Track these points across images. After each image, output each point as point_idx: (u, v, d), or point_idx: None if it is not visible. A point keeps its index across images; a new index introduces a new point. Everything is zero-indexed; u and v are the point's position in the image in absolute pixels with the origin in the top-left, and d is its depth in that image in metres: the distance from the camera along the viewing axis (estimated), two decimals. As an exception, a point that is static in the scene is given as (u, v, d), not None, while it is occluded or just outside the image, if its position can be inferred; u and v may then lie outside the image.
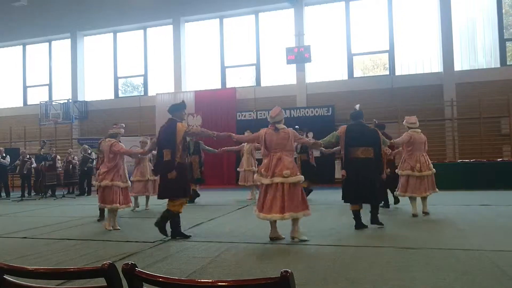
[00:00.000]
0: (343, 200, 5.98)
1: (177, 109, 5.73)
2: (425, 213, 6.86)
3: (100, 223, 6.92)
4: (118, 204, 6.29)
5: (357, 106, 6.31)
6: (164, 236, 5.45)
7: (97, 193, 6.58)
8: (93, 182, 6.90)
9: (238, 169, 10.70)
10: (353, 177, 5.74)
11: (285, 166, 5.04)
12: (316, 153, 11.05)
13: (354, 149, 5.80)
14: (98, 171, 6.64)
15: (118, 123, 7.35)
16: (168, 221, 5.51)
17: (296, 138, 5.40)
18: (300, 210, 5.04)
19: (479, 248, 4.40)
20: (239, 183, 10.51)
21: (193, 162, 9.55)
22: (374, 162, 5.83)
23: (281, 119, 5.34)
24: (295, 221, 5.10)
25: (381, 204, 7.29)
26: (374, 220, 5.91)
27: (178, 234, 5.46)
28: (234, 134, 6.00)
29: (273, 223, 5.15)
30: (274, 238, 5.16)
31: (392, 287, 3.27)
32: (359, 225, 5.80)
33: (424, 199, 6.92)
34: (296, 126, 8.03)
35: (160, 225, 5.45)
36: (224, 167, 15.57)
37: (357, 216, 5.84)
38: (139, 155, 8.01)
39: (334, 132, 6.16)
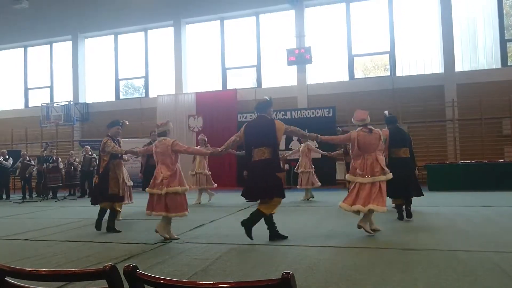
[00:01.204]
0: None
1: (267, 106, 5.53)
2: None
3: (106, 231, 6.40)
4: (187, 212, 5.58)
5: (386, 112, 6.97)
6: (250, 239, 5.14)
7: (150, 200, 5.61)
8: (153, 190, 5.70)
9: (190, 172, 10.21)
10: (395, 175, 6.18)
11: (380, 166, 5.47)
12: (317, 155, 11.07)
13: (397, 150, 6.60)
14: (162, 176, 5.48)
15: (121, 120, 6.94)
16: (253, 223, 5.30)
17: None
18: (383, 204, 5.43)
19: (481, 249, 4.39)
20: (192, 186, 10.23)
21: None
22: (410, 160, 6.71)
23: (369, 121, 5.78)
24: (370, 214, 5.46)
25: None
26: (409, 214, 6.59)
27: (276, 236, 5.23)
28: (320, 135, 5.99)
29: (368, 213, 5.45)
30: (361, 227, 5.41)
31: (394, 288, 3.26)
32: (401, 218, 6.49)
33: None
34: None
35: (248, 226, 5.18)
36: (224, 168, 15.56)
37: (399, 209, 6.57)
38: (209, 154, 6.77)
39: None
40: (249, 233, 5.17)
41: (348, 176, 5.67)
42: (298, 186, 10.26)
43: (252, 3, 16.38)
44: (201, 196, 10.28)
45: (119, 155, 6.46)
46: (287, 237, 5.29)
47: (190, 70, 17.53)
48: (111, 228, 6.27)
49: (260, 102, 5.61)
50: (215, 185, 10.44)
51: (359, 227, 5.38)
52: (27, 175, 13.61)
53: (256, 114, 5.57)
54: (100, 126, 17.35)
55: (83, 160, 13.45)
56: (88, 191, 13.62)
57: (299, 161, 10.25)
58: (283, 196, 5.28)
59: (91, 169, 13.20)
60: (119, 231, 6.15)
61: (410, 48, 15.25)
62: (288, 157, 11.77)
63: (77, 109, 18.21)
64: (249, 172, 5.48)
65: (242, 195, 5.52)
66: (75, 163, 13.90)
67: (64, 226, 7.15)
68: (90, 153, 13.42)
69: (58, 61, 19.46)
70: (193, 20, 17.45)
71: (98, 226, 6.35)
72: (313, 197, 10.28)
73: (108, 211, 6.46)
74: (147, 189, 5.67)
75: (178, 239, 5.51)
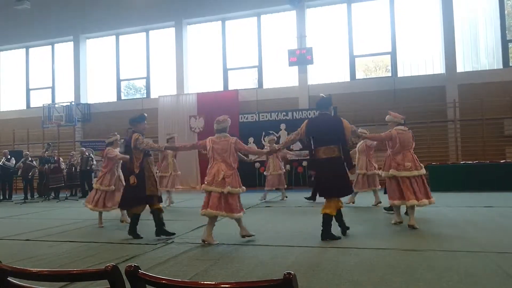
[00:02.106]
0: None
1: (329, 103, 5.62)
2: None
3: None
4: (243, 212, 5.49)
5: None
6: (340, 237, 5.28)
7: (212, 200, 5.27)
8: (200, 187, 5.68)
9: (161, 174, 9.76)
10: None
11: (414, 161, 6.01)
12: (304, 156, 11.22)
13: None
14: (224, 174, 5.21)
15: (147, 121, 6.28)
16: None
17: None
18: (427, 197, 5.90)
19: (482, 250, 4.39)
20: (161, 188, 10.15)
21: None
22: None
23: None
24: (413, 209, 5.90)
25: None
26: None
27: (329, 236, 5.23)
28: (367, 134, 6.20)
29: (398, 209, 6.09)
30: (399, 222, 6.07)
31: (395, 289, 3.26)
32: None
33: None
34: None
35: (328, 236, 5.22)
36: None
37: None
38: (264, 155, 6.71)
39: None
40: (334, 236, 5.23)
41: (392, 171, 5.93)
42: (266, 188, 10.48)
43: (253, 3, 16.38)
44: (170, 196, 10.05)
45: (149, 152, 5.94)
46: (340, 237, 5.34)
47: (191, 70, 17.53)
48: (164, 231, 5.80)
49: (321, 99, 5.67)
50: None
51: (412, 226, 5.75)
52: (30, 176, 13.64)
53: (317, 111, 5.76)
54: (102, 126, 17.38)
55: (81, 161, 13.50)
56: (88, 192, 13.66)
57: (269, 162, 10.50)
58: (350, 192, 5.64)
59: (88, 168, 13.30)
60: (173, 233, 5.81)
61: (412, 49, 15.22)
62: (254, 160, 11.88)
63: (78, 109, 18.21)
64: (317, 171, 5.48)
65: (320, 195, 5.52)
66: (75, 163, 13.95)
67: (65, 226, 7.16)
68: (86, 153, 13.48)
69: (60, 62, 19.46)
70: (195, 21, 17.45)
71: (134, 233, 5.82)
72: (286, 197, 10.62)
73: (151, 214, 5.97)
74: (204, 186, 5.34)
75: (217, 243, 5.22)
